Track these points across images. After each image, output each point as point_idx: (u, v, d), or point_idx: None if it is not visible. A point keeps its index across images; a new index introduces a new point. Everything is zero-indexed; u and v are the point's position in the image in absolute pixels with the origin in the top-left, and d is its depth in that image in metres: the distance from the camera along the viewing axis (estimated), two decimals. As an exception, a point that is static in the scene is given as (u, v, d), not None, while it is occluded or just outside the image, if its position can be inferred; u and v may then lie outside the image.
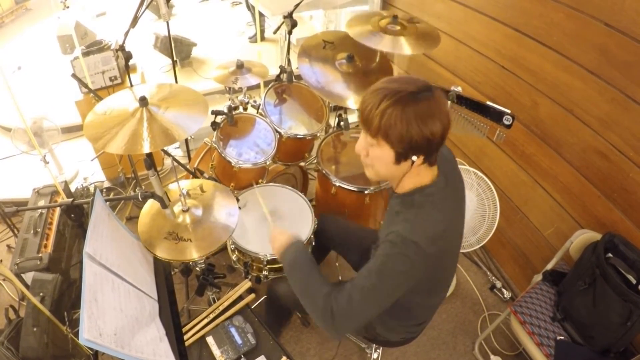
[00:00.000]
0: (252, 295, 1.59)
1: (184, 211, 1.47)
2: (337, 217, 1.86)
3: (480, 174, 1.97)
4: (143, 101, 1.26)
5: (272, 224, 1.54)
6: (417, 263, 1.07)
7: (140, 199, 1.33)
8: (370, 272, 1.09)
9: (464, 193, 1.34)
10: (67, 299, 1.81)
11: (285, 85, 2.23)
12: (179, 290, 2.06)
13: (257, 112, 2.13)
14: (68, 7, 2.52)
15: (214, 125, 1.94)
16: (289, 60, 2.17)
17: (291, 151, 2.11)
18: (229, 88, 2.09)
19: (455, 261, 1.37)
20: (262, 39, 4.15)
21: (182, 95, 1.38)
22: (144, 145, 1.20)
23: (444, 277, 1.33)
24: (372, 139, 1.05)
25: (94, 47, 2.34)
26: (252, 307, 1.57)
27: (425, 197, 1.13)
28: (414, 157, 1.05)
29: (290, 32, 2.15)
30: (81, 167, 2.95)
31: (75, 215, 1.38)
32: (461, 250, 2.04)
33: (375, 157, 1.09)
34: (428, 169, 1.13)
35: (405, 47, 1.79)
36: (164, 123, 1.25)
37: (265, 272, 1.73)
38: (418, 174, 1.12)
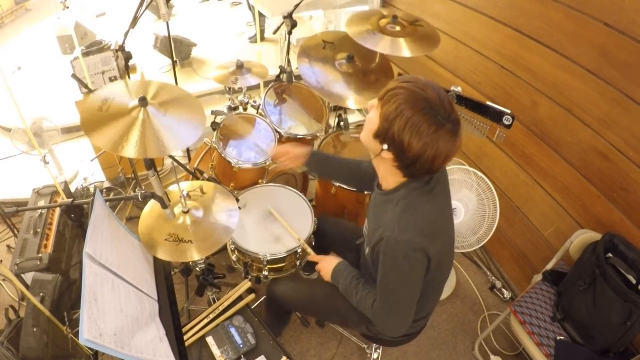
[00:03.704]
0: (252, 295, 1.59)
1: (184, 212, 1.47)
2: (336, 217, 1.87)
3: (480, 174, 1.97)
4: (143, 101, 1.25)
5: (310, 249, 1.65)
6: (418, 256, 1.13)
7: (140, 199, 1.33)
8: (383, 280, 1.20)
9: (447, 183, 1.34)
10: (67, 299, 1.80)
11: (285, 86, 2.23)
12: (179, 290, 2.06)
13: (257, 112, 2.13)
14: (68, 8, 2.53)
15: (214, 125, 1.94)
16: (288, 61, 2.17)
17: (291, 151, 2.11)
18: (229, 88, 2.09)
19: (451, 253, 1.38)
20: (262, 39, 4.15)
21: (182, 101, 1.35)
22: (128, 149, 1.10)
23: (442, 268, 1.33)
24: (378, 100, 1.10)
25: (94, 47, 2.34)
26: (252, 307, 1.57)
27: (411, 191, 1.16)
28: (384, 146, 1.08)
29: (290, 32, 2.15)
30: (81, 167, 2.95)
31: (75, 216, 1.38)
32: (461, 250, 2.04)
33: (369, 119, 1.13)
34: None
35: (404, 49, 1.78)
36: (159, 129, 1.18)
37: (265, 272, 1.72)
38: (395, 174, 1.15)
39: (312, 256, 1.59)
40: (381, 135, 1.09)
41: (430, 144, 1.02)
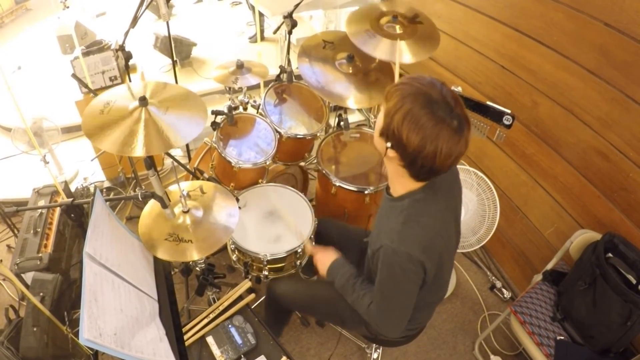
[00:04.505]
0: (252, 295, 1.59)
1: (184, 212, 1.47)
2: (336, 219, 1.86)
3: (480, 174, 1.97)
4: (143, 101, 1.25)
5: (308, 243, 1.66)
6: (415, 269, 1.14)
7: (140, 199, 1.33)
8: (379, 286, 1.21)
9: (460, 189, 1.34)
10: (67, 299, 1.81)
11: (285, 85, 2.23)
12: (179, 290, 2.05)
13: (257, 112, 2.13)
14: (68, 7, 2.52)
15: (214, 125, 1.94)
16: (289, 60, 2.17)
17: (291, 151, 2.11)
18: (229, 88, 2.09)
19: (452, 260, 1.38)
20: (262, 39, 4.14)
21: (183, 98, 1.36)
22: (137, 148, 1.13)
23: (442, 277, 1.34)
24: (384, 99, 1.09)
25: (94, 47, 2.34)
26: (252, 307, 1.57)
27: (415, 203, 1.15)
28: (388, 144, 1.07)
29: (290, 32, 2.15)
30: (81, 167, 2.95)
31: (75, 215, 1.38)
32: (461, 250, 2.04)
33: (377, 119, 1.13)
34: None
35: (404, 54, 1.76)
36: (162, 126, 1.21)
37: (265, 272, 1.72)
38: (402, 176, 1.14)
39: (310, 247, 1.59)
40: (384, 132, 1.08)
41: (429, 138, 1.00)
